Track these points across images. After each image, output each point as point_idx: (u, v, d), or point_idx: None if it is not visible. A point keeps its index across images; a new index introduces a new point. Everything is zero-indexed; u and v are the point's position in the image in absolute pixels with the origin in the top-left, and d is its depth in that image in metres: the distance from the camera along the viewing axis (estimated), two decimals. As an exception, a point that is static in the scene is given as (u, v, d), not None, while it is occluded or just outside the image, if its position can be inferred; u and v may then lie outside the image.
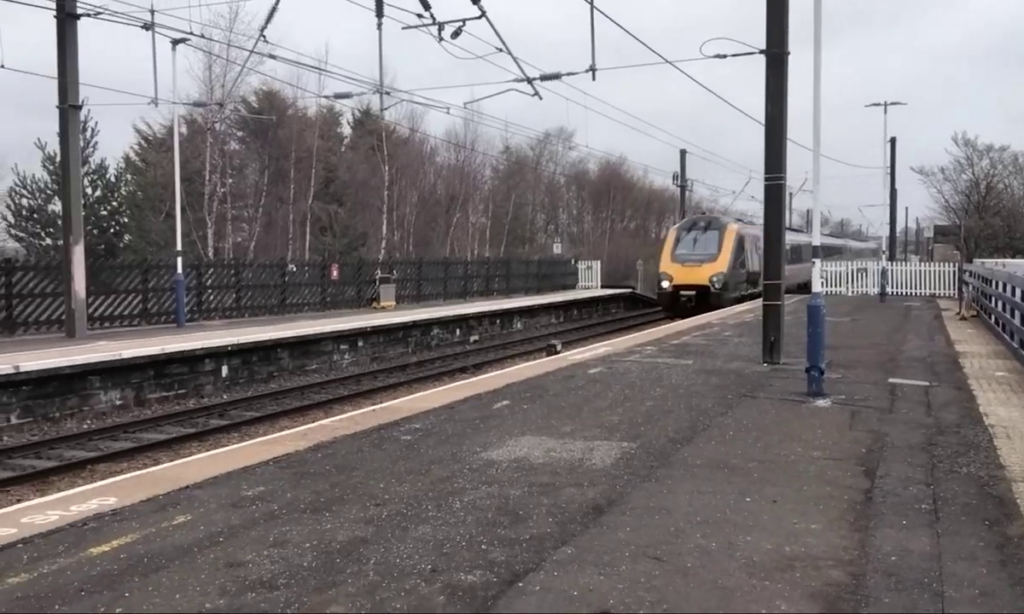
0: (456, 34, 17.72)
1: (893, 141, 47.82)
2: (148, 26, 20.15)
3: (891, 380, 13.02)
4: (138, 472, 7.82)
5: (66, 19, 20.24)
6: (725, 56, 16.24)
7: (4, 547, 5.73)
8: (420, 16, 16.80)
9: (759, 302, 34.40)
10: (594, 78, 17.24)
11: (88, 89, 21.26)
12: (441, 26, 17.68)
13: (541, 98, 18.45)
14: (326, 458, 8.33)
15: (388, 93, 19.10)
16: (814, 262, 12.22)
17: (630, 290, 46.21)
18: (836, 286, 37.49)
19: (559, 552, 5.59)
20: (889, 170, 46.33)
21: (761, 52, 15.32)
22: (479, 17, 17.32)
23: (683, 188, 63.94)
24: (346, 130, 63.03)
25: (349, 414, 10.70)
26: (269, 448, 8.72)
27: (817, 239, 12.30)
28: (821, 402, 11.11)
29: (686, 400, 11.29)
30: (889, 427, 9.58)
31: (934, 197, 54.47)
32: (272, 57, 18.00)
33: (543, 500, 6.78)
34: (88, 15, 20.29)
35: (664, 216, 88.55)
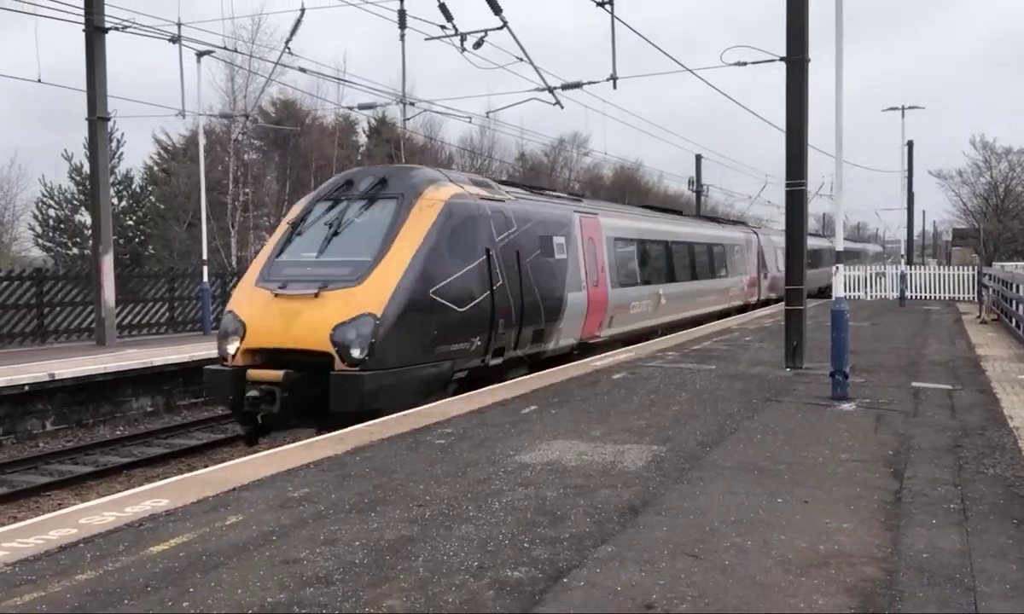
0: (478, 44, 18.02)
1: (910, 145, 47.82)
2: (175, 39, 20.51)
3: (914, 384, 13.16)
4: (185, 475, 8.07)
5: (94, 32, 20.62)
6: (745, 64, 16.44)
7: (68, 546, 5.99)
8: (443, 27, 17.05)
9: (779, 307, 34.39)
10: (615, 87, 17.52)
11: (114, 101, 21.61)
12: (464, 37, 17.98)
13: (563, 107, 18.72)
14: (365, 461, 8.56)
15: (412, 103, 19.38)
16: (837, 268, 12.38)
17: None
18: (855, 290, 37.52)
19: (600, 550, 5.80)
20: (906, 174, 46.32)
21: (781, 59, 15.50)
22: (501, 27, 17.60)
23: (698, 193, 64.05)
24: (362, 138, 63.47)
25: (382, 419, 10.93)
26: (309, 452, 8.96)
27: (840, 244, 12.46)
28: (846, 406, 11.27)
29: (712, 404, 11.47)
30: (914, 430, 9.74)
31: (952, 200, 54.44)
32: (302, 70, 18.35)
33: (579, 501, 6.98)
34: (116, 29, 20.66)
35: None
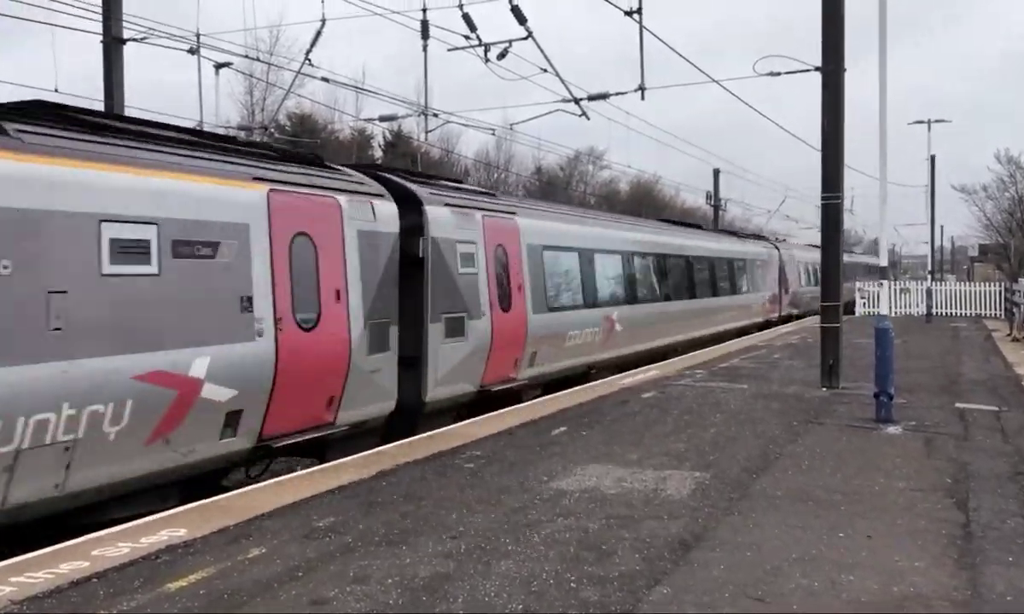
0: (503, 55, 17.65)
1: (932, 159, 47.19)
2: (194, 50, 20.22)
3: (958, 405, 12.63)
4: (204, 501, 7.64)
5: (112, 43, 20.34)
6: (779, 74, 16.02)
7: (80, 582, 5.56)
8: (467, 37, 16.69)
9: (804, 323, 33.84)
10: (643, 98, 17.09)
11: (131, 112, 21.36)
12: (487, 47, 17.61)
13: (588, 118, 18.30)
14: (391, 487, 8.12)
15: (436, 114, 19.02)
16: (881, 283, 11.91)
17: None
18: (876, 307, 36.86)
19: (654, 592, 5.33)
20: (929, 189, 45.68)
21: (816, 69, 15.07)
22: (525, 38, 17.23)
23: (716, 207, 63.57)
24: (378, 152, 63.27)
25: (407, 441, 10.49)
26: (334, 476, 8.52)
27: (884, 260, 11.98)
28: (892, 429, 10.77)
29: (750, 426, 10.98)
30: (969, 456, 9.23)
31: (975, 216, 53.70)
32: (325, 80, 17.97)
33: (624, 534, 6.52)
34: (135, 40, 20.40)
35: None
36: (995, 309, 35.41)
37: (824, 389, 14.25)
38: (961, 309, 36.20)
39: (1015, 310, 27.43)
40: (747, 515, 6.99)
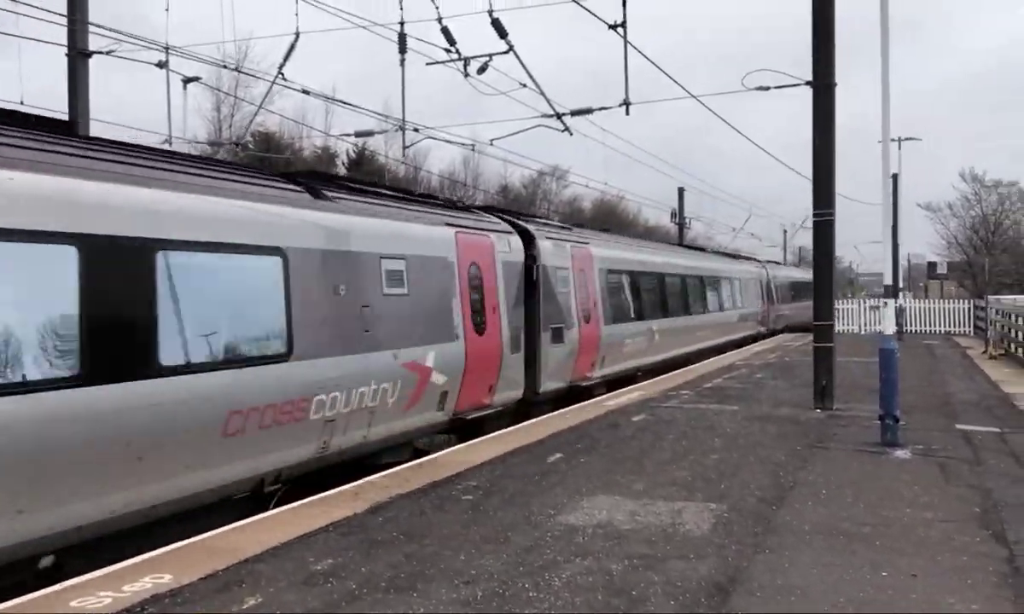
0: (482, 69, 17.17)
1: (895, 178, 47.50)
2: (162, 64, 19.51)
3: (958, 426, 12.32)
4: (188, 541, 7.00)
5: (78, 57, 19.59)
6: (768, 88, 15.72)
7: (55, 644, 4.94)
8: (448, 50, 16.20)
9: (779, 340, 33.73)
10: (628, 113, 16.69)
11: (97, 126, 20.55)
12: (467, 61, 17.13)
13: (572, 134, 17.87)
14: (389, 523, 7.54)
15: (416, 129, 18.47)
16: (886, 302, 11.56)
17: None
18: (848, 324, 36.90)
19: (702, 645, 4.84)
20: (892, 207, 45.90)
21: (807, 84, 14.75)
22: (506, 52, 16.77)
23: (681, 226, 63.57)
24: (341, 170, 62.44)
25: (395, 470, 9.91)
26: (324, 511, 7.92)
27: (889, 277, 11.64)
28: (900, 453, 10.39)
29: (752, 452, 10.55)
30: (989, 481, 8.86)
31: (940, 233, 54.19)
32: (305, 92, 17.29)
33: (652, 577, 6.02)
34: (101, 53, 19.66)
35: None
36: (962, 326, 35.57)
37: (818, 410, 13.88)
38: (929, 326, 36.32)
39: (990, 328, 27.46)
40: (779, 553, 6.52)
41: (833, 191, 14.62)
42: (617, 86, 16.02)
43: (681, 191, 62.19)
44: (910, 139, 35.04)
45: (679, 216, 62.71)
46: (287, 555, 6.59)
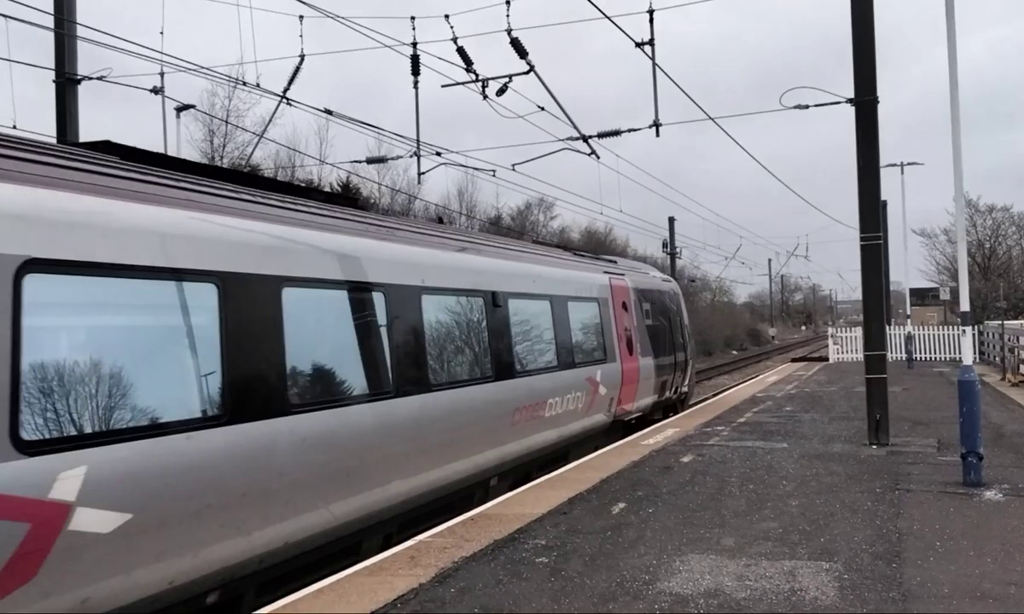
0: (502, 91, 16.43)
1: (883, 204, 47.16)
2: (157, 90, 18.62)
3: (1034, 462, 11.51)
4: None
5: (66, 83, 18.64)
6: (807, 106, 14.98)
7: None
8: (467, 69, 15.38)
9: (793, 368, 32.94)
10: (658, 134, 15.93)
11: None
12: (485, 83, 16.34)
13: (599, 157, 17.09)
14: (464, 595, 6.58)
15: (439, 152, 17.62)
16: (964, 330, 10.75)
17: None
18: (854, 353, 36.20)
19: None
20: (882, 234, 45.52)
21: (848, 101, 14.04)
22: (527, 72, 16.03)
23: (673, 255, 63.07)
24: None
25: (447, 526, 8.94)
26: (384, 580, 6.95)
27: (965, 303, 10.83)
28: (991, 495, 9.55)
29: (832, 496, 9.67)
30: (1114, 529, 8.02)
31: (935, 259, 53.85)
32: (328, 112, 16.36)
33: (804, 660, 5.09)
34: (90, 78, 18.73)
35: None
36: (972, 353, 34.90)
37: (874, 446, 13.04)
38: (934, 353, 35.74)
39: (1007, 354, 26.83)
40: (939, 626, 5.63)
41: (879, 213, 13.89)
42: (656, 102, 15.17)
43: (672, 220, 61.76)
44: (912, 164, 34.56)
45: (671, 246, 62.23)
46: (362, 642, 5.62)
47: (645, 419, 17.88)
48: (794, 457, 12.34)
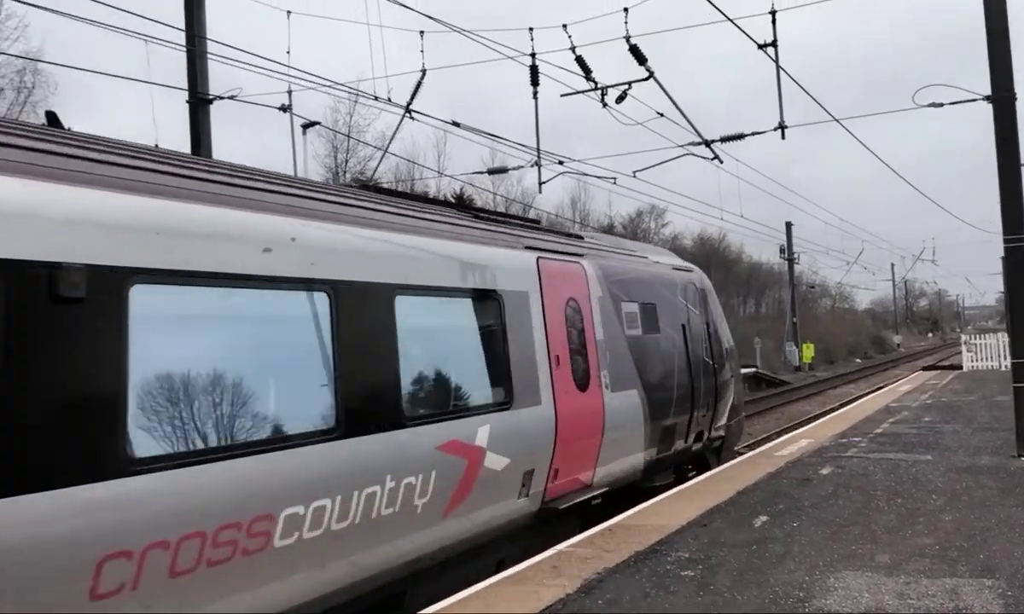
0: (621, 98, 16.32)
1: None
2: (286, 108, 19.21)
3: None
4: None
5: (198, 103, 19.44)
6: (942, 105, 14.42)
7: None
8: (586, 77, 15.36)
9: (926, 377, 31.70)
10: (783, 137, 15.56)
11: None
12: (604, 91, 16.28)
13: (721, 162, 16.83)
14: (610, 606, 6.52)
15: (561, 161, 17.66)
16: None
17: (754, 369, 43.54)
18: (989, 360, 34.58)
19: None
20: None
21: (986, 98, 13.44)
22: (646, 78, 15.88)
23: (791, 261, 61.59)
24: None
25: (586, 535, 8.89)
26: (527, 589, 6.93)
27: None
28: None
29: (986, 511, 9.22)
30: None
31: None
32: (455, 124, 16.62)
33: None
34: (221, 98, 19.46)
35: (764, 290, 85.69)
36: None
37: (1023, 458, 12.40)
38: (990, 361, 34.32)
39: None
40: None
41: (1022, 214, 13.20)
42: (775, 103, 14.83)
43: (789, 225, 60.30)
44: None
45: (788, 251, 60.77)
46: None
47: (638, 488, 11.86)
48: (940, 470, 11.82)
